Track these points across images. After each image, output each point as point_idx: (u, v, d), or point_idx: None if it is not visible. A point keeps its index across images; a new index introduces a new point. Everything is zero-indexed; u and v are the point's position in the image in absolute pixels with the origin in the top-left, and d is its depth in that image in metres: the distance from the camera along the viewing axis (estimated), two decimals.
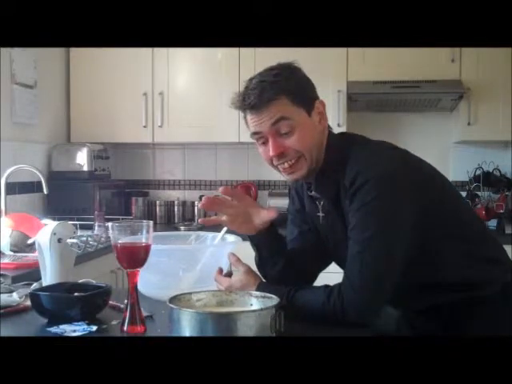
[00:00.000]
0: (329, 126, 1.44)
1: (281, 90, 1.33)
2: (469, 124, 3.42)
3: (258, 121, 1.35)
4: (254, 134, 1.39)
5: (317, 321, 1.27)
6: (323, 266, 1.57)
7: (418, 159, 1.40)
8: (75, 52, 3.66)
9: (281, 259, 1.49)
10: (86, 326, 1.35)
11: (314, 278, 1.57)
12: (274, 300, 1.22)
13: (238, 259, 1.50)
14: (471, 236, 1.40)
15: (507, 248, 2.92)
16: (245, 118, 1.40)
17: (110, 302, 1.49)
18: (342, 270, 1.40)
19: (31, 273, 2.02)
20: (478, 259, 1.38)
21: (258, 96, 1.33)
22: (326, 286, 1.32)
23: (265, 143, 1.38)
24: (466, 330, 1.32)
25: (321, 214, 1.46)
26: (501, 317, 1.37)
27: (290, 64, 1.39)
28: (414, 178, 1.32)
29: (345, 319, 1.26)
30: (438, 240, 1.31)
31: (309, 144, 1.36)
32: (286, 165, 1.38)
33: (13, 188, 3.02)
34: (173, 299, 1.22)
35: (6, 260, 2.23)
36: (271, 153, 1.36)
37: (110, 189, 3.58)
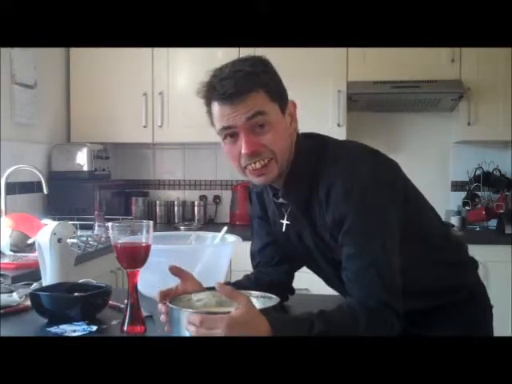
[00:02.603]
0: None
1: (259, 82, 1.23)
2: (469, 124, 3.42)
3: (230, 113, 1.22)
4: (225, 128, 1.25)
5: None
6: (296, 269, 1.54)
7: (391, 162, 1.32)
8: (75, 52, 3.67)
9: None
10: (86, 326, 1.35)
11: (291, 279, 1.54)
12: (273, 300, 1.22)
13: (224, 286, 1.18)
14: (434, 241, 1.37)
15: (507, 248, 2.94)
16: (209, 111, 1.29)
17: (110, 302, 1.50)
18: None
19: (31, 273, 2.02)
20: (442, 265, 1.37)
21: (233, 86, 1.21)
22: (351, 311, 1.19)
23: (234, 140, 1.26)
24: (431, 334, 1.32)
25: (285, 222, 1.38)
26: (472, 318, 1.38)
27: (261, 57, 1.29)
28: (392, 183, 1.28)
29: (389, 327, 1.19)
30: (402, 245, 1.25)
31: (281, 145, 1.27)
32: (258, 165, 1.26)
33: (13, 188, 3.02)
34: (173, 299, 1.22)
35: (6, 260, 2.23)
36: (244, 150, 1.23)
37: (110, 189, 3.58)
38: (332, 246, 1.29)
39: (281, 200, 1.37)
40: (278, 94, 1.28)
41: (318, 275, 1.48)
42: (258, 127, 1.24)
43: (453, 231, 1.49)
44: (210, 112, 1.29)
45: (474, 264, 1.47)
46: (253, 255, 1.56)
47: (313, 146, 1.32)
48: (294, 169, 1.31)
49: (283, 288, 1.49)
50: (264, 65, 1.28)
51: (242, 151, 1.25)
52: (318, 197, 1.28)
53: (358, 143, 1.35)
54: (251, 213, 1.55)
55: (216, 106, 1.26)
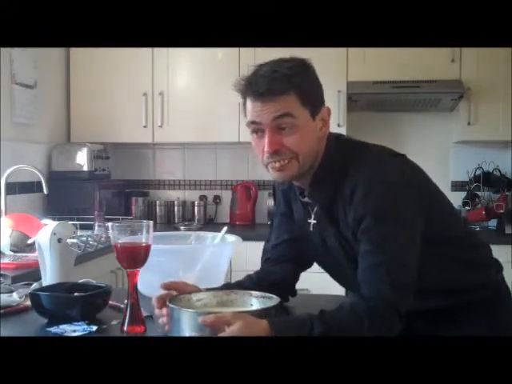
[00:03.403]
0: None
1: (292, 86, 1.26)
2: (469, 124, 3.42)
3: (260, 110, 1.27)
4: (252, 123, 1.30)
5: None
6: (304, 269, 1.55)
7: (415, 165, 1.36)
8: (75, 52, 3.67)
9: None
10: (86, 326, 1.35)
11: (296, 279, 1.54)
12: (274, 300, 1.22)
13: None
14: (457, 241, 1.38)
15: (507, 248, 2.94)
16: (244, 103, 1.32)
17: (110, 302, 1.49)
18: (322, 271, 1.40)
19: (31, 273, 2.02)
20: (465, 264, 1.38)
21: (267, 85, 1.25)
22: (352, 311, 1.20)
23: (260, 135, 1.30)
24: (454, 333, 1.32)
25: (313, 221, 1.41)
26: (493, 319, 1.37)
27: (304, 60, 1.32)
28: (415, 185, 1.31)
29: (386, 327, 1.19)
30: (425, 245, 1.27)
31: (305, 147, 1.30)
32: (278, 164, 1.30)
33: (13, 188, 3.02)
34: (173, 299, 1.22)
35: (6, 260, 2.23)
36: (266, 148, 1.28)
37: (110, 189, 3.58)
38: (353, 244, 1.31)
39: (306, 199, 1.41)
40: (311, 99, 1.30)
41: (334, 274, 1.49)
42: (284, 127, 1.28)
43: (473, 233, 1.51)
44: (244, 105, 1.33)
45: (496, 265, 1.48)
46: (265, 250, 1.58)
47: (341, 149, 1.36)
48: (321, 170, 1.35)
49: (285, 289, 1.49)
50: (303, 68, 1.31)
51: (265, 149, 1.29)
52: (342, 197, 1.30)
53: (383, 147, 1.38)
54: (274, 209, 1.59)
55: (249, 101, 1.30)
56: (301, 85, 1.28)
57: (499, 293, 1.42)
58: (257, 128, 1.30)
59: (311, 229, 1.42)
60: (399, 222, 1.24)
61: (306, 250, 1.48)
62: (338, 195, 1.32)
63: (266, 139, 1.28)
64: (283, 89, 1.26)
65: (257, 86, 1.26)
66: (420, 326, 1.29)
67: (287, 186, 1.49)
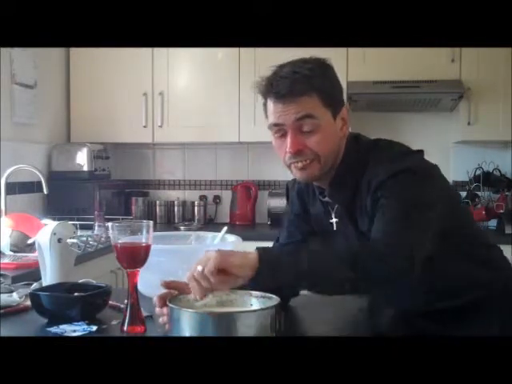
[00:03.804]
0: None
1: (313, 87, 1.28)
2: (469, 124, 3.42)
3: (282, 112, 1.28)
4: (274, 125, 1.32)
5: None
6: None
7: (431, 162, 1.40)
8: (75, 52, 3.67)
9: None
10: (86, 326, 1.35)
11: None
12: (274, 300, 1.22)
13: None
14: (469, 238, 1.40)
15: (507, 248, 2.94)
16: (265, 104, 1.34)
17: (110, 302, 1.49)
18: None
19: (31, 273, 2.02)
20: (477, 261, 1.38)
21: (289, 86, 1.26)
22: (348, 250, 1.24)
23: (282, 136, 1.32)
24: (466, 332, 1.32)
25: (334, 220, 1.42)
26: (506, 315, 1.37)
27: (324, 60, 1.34)
28: (435, 178, 1.35)
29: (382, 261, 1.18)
30: (439, 240, 1.28)
31: (327, 148, 1.32)
32: (300, 164, 1.32)
33: (13, 188, 3.02)
34: (173, 299, 1.22)
35: (6, 260, 2.23)
36: (288, 149, 1.30)
37: (109, 189, 3.58)
38: (369, 235, 1.30)
39: (326, 199, 1.42)
40: (332, 100, 1.32)
41: None
42: (306, 128, 1.29)
43: (485, 233, 1.53)
44: (265, 105, 1.34)
45: (507, 263, 1.48)
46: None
47: (360, 148, 1.38)
48: (341, 170, 1.36)
49: (287, 288, 1.49)
50: (323, 69, 1.32)
51: (287, 149, 1.31)
52: (360, 194, 1.32)
53: (401, 144, 1.40)
54: (287, 209, 1.60)
55: (270, 103, 1.31)
56: (322, 86, 1.29)
57: (509, 293, 1.42)
58: (279, 129, 1.32)
59: (334, 228, 1.42)
60: (417, 206, 1.25)
61: (323, 246, 1.48)
62: (357, 193, 1.33)
63: (289, 140, 1.30)
64: (304, 90, 1.27)
65: (278, 87, 1.28)
66: (430, 326, 1.29)
67: (302, 186, 1.50)
